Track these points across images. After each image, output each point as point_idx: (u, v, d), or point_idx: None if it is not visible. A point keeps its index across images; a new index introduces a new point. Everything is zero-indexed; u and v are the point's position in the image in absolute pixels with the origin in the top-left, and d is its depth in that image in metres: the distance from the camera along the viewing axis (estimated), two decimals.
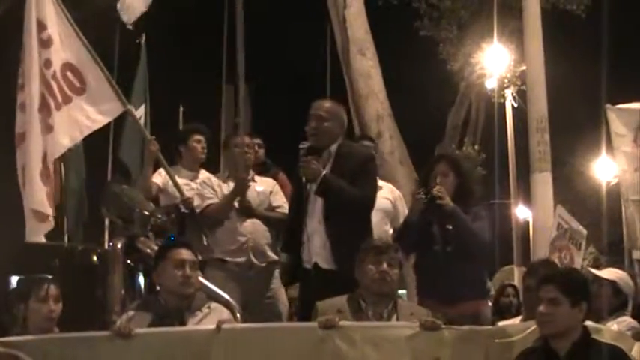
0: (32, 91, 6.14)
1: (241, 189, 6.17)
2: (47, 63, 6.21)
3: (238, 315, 5.30)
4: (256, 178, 6.46)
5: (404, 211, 6.73)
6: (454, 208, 5.43)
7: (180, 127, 16.56)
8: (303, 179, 5.50)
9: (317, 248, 5.43)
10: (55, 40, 6.23)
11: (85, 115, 6.32)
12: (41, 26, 6.20)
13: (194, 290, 4.70)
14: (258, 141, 7.15)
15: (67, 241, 8.71)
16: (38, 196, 6.11)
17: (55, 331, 4.73)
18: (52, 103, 6.22)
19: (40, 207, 6.13)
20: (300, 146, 5.53)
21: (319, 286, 5.21)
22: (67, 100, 6.25)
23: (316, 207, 5.48)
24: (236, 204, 6.22)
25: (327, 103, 5.71)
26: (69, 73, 6.26)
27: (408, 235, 5.58)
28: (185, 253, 4.74)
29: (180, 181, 6.58)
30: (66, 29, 6.31)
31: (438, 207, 5.44)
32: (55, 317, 4.75)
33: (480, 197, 5.98)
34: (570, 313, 4.04)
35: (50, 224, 6.25)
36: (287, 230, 5.90)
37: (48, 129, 6.20)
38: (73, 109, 6.28)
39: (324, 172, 5.44)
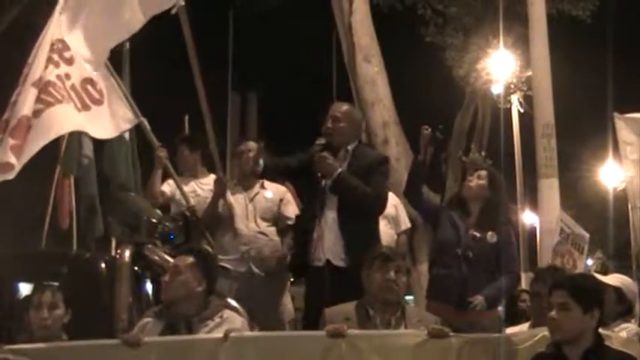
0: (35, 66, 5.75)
1: (220, 190, 6.24)
2: (67, 76, 5.98)
3: (245, 322, 5.28)
4: (266, 184, 6.47)
5: (404, 217, 6.83)
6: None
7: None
8: (319, 175, 5.53)
9: (330, 245, 5.45)
10: (76, 60, 6.07)
11: (104, 122, 6.16)
12: (65, 47, 6.03)
13: (172, 297, 4.60)
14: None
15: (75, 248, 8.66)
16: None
17: (63, 338, 4.73)
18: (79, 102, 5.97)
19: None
20: (317, 142, 5.59)
21: (330, 284, 5.24)
22: (86, 108, 6.04)
23: (330, 204, 5.52)
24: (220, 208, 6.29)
25: (345, 106, 5.86)
26: (89, 87, 6.11)
27: (421, 180, 5.62)
28: (174, 260, 4.75)
29: (187, 188, 6.59)
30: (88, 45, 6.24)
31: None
32: (49, 325, 4.69)
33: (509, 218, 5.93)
34: (581, 320, 3.98)
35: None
36: (298, 227, 5.93)
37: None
38: (92, 115, 6.06)
39: (340, 169, 5.50)
